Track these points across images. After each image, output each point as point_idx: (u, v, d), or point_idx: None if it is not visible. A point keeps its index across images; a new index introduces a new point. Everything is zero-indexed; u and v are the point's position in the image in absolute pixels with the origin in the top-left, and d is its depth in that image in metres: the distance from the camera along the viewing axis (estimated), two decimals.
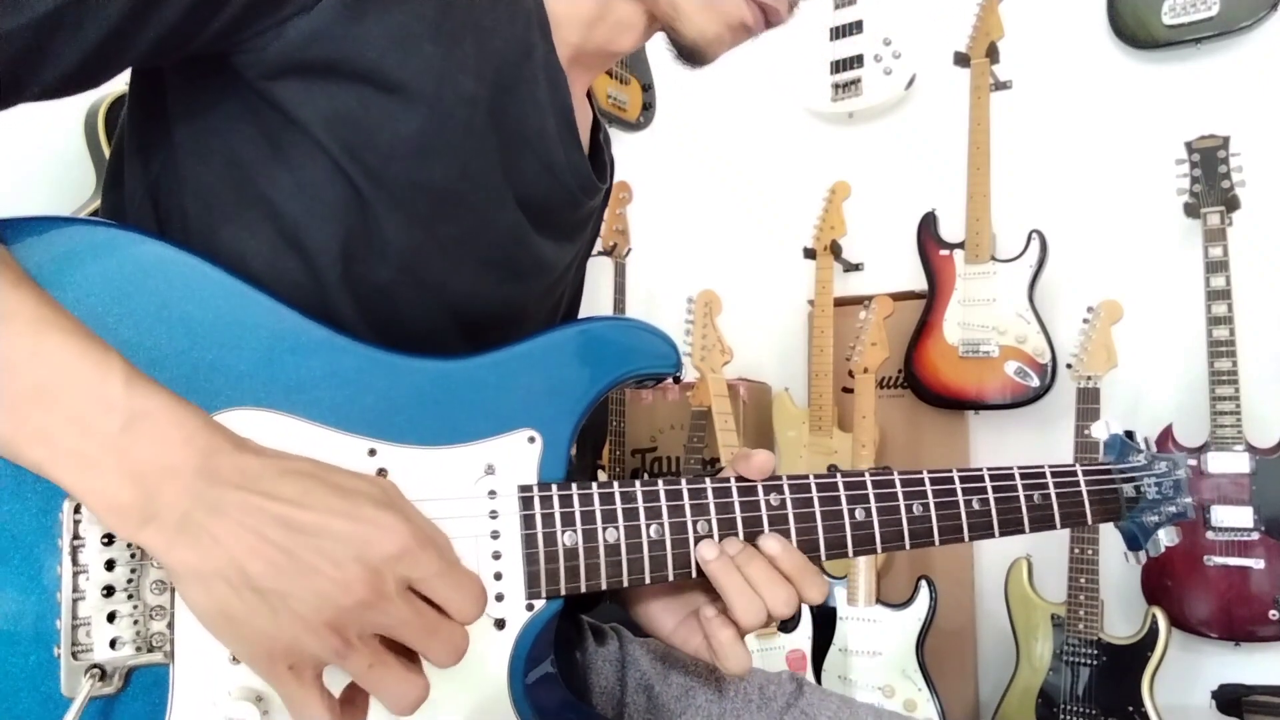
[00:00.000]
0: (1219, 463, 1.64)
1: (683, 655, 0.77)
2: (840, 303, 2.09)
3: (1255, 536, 1.61)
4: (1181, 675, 1.76)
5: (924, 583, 1.80)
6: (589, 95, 0.78)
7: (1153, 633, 1.63)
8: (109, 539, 0.48)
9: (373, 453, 0.54)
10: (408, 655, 0.47)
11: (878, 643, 1.80)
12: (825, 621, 1.85)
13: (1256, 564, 1.61)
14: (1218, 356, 1.68)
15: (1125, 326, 1.72)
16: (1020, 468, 0.69)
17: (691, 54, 0.69)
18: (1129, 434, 0.77)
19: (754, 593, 0.58)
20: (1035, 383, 1.89)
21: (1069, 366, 1.75)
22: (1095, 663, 1.66)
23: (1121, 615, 1.82)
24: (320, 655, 0.43)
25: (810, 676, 1.74)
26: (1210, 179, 1.73)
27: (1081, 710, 1.66)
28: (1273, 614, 1.60)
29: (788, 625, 1.82)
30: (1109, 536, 1.71)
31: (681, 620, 0.65)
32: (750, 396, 2.18)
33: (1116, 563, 1.84)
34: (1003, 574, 1.84)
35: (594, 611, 0.83)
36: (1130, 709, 1.61)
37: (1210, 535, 1.65)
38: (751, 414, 2.16)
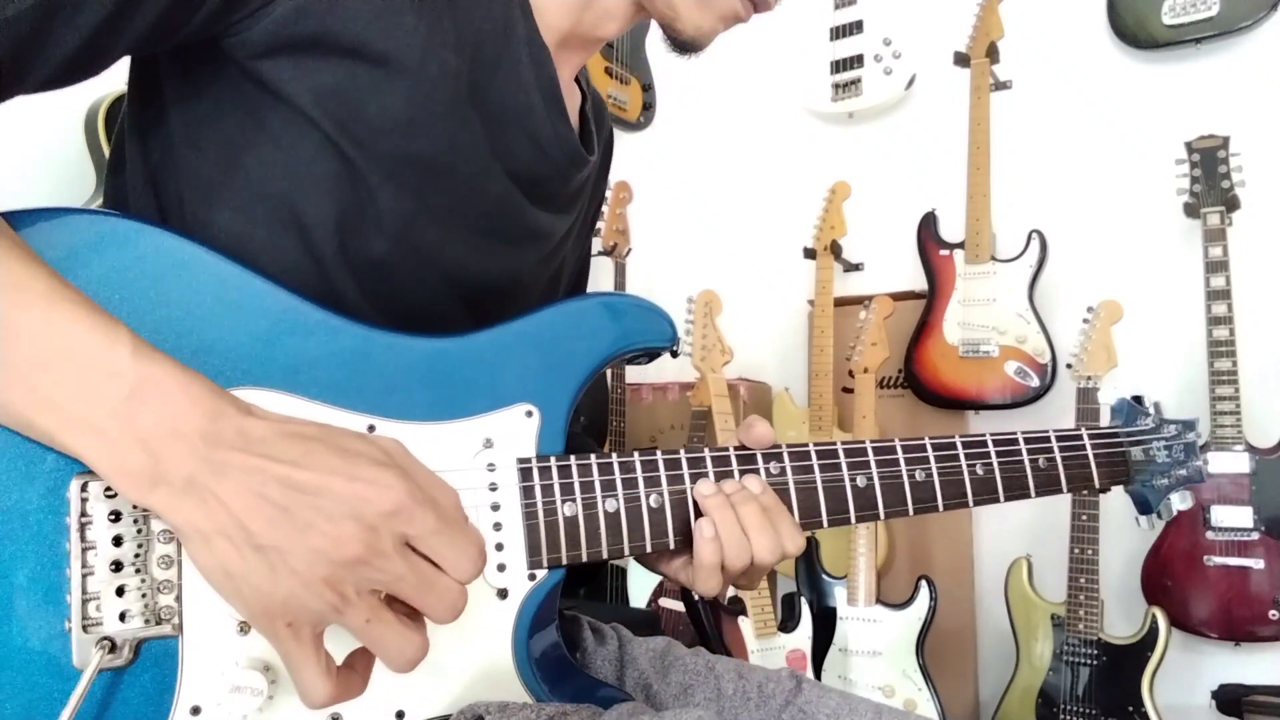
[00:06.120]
0: (1219, 463, 1.64)
1: (681, 653, 0.77)
2: (840, 303, 2.10)
3: (1255, 536, 1.61)
4: (1181, 675, 1.76)
5: (924, 583, 1.80)
6: (578, 79, 0.80)
7: (1153, 633, 1.63)
8: (116, 516, 0.49)
9: (371, 429, 0.55)
10: (411, 617, 0.48)
11: (878, 643, 1.80)
12: (825, 621, 1.85)
13: (1256, 564, 1.61)
14: (1218, 356, 1.68)
15: (1125, 326, 1.72)
16: (1024, 432, 0.69)
17: (686, 46, 0.73)
18: (1137, 398, 0.77)
19: (743, 533, 0.60)
20: (1035, 383, 1.89)
21: (1069, 366, 1.75)
22: (1095, 663, 1.66)
23: (1121, 615, 1.82)
24: (317, 611, 0.44)
25: (810, 676, 1.74)
26: (1210, 179, 1.73)
27: (1081, 710, 1.66)
28: (1273, 614, 1.60)
29: (788, 625, 1.82)
30: (1109, 536, 1.71)
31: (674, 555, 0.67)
32: (750, 396, 2.18)
33: (1117, 563, 1.84)
34: (1003, 574, 1.84)
35: (594, 611, 0.83)
36: (1130, 709, 1.61)
37: (1210, 535, 1.65)
38: (751, 414, 2.16)
